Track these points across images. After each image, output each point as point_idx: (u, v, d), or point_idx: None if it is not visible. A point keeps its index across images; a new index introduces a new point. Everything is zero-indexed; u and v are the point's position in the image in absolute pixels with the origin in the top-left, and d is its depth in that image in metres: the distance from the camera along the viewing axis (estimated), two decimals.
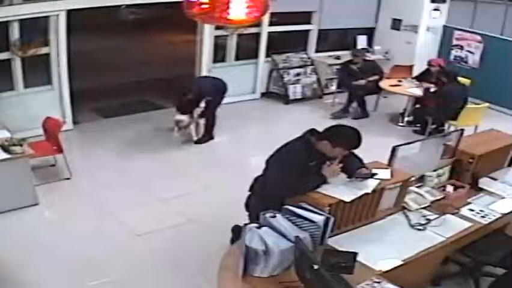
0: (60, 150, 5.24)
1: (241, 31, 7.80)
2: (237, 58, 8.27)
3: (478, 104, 7.20)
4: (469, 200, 3.85)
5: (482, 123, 6.58)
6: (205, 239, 4.38)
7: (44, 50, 6.24)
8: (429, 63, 7.66)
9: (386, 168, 3.51)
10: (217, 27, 7.59)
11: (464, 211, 3.67)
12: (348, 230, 3.28)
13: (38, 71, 6.43)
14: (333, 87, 8.83)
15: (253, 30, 8.02)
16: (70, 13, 6.18)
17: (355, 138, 3.20)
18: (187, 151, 6.47)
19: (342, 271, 2.75)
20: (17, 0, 5.74)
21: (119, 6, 6.67)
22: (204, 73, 7.75)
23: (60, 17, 6.15)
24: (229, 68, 8.13)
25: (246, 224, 3.00)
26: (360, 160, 3.45)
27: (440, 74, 7.19)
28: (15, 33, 5.90)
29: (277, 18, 8.08)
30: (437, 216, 3.54)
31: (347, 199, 3.13)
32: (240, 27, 7.13)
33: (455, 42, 9.19)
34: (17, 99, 6.21)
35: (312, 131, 3.32)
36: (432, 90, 7.15)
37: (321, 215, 2.97)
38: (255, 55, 8.42)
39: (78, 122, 6.94)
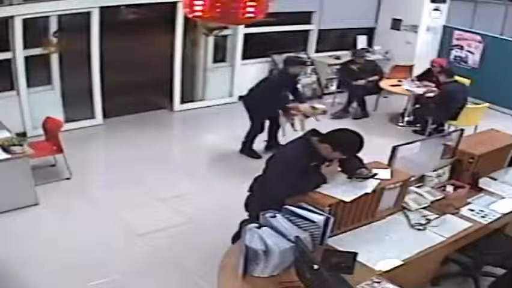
0: (60, 150, 5.24)
1: (216, 33, 7.73)
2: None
3: (478, 104, 7.21)
4: (469, 200, 3.85)
5: (482, 123, 6.58)
6: (205, 239, 4.38)
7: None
8: (432, 63, 7.68)
9: (386, 168, 3.51)
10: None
11: (464, 211, 3.67)
12: (348, 230, 3.28)
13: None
14: (333, 87, 8.82)
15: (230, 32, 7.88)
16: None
17: (356, 145, 3.20)
18: (187, 151, 6.48)
19: (342, 271, 2.75)
20: None
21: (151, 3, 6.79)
22: (201, 73, 7.78)
23: (93, 14, 6.31)
24: (229, 68, 8.17)
25: (245, 224, 3.00)
26: (360, 160, 3.45)
27: (438, 73, 7.20)
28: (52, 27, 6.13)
29: (276, 18, 8.07)
30: (437, 216, 3.54)
31: (347, 199, 3.13)
32: (216, 29, 7.11)
33: (455, 42, 9.19)
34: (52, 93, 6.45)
35: (313, 132, 3.32)
36: (430, 94, 7.16)
37: (321, 215, 2.98)
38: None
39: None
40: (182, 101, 7.78)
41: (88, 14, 6.30)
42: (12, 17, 5.79)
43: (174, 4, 6.96)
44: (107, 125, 7.02)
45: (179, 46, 7.29)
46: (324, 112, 6.23)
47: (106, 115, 7.05)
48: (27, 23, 5.94)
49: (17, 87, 6.18)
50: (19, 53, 6.01)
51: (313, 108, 6.10)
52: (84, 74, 6.69)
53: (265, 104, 5.84)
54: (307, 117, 6.02)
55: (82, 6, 6.20)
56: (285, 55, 7.05)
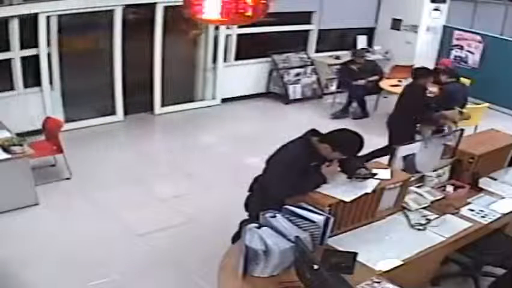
0: (60, 150, 5.24)
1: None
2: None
3: (478, 104, 7.21)
4: (469, 200, 3.85)
5: (482, 123, 6.58)
6: (205, 239, 4.38)
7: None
8: (437, 64, 7.68)
9: (386, 168, 3.51)
10: (218, 28, 7.59)
11: (464, 211, 3.67)
12: (348, 230, 3.28)
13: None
14: (333, 87, 8.82)
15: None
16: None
17: (356, 145, 3.19)
18: (187, 152, 6.47)
19: (342, 271, 2.75)
20: None
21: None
22: (201, 73, 7.77)
23: (116, 12, 6.41)
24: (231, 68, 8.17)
25: (245, 224, 3.00)
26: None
27: (442, 73, 7.19)
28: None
29: (276, 18, 8.07)
30: (437, 216, 3.54)
31: (347, 199, 3.13)
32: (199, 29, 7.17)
33: (455, 42, 9.19)
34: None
35: (313, 132, 3.32)
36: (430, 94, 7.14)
37: (321, 215, 2.98)
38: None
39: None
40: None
41: (111, 12, 6.41)
42: (36, 14, 5.86)
43: (153, 5, 6.94)
44: (108, 124, 7.02)
45: (158, 48, 7.19)
46: (469, 116, 6.17)
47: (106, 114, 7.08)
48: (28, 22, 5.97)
49: (20, 85, 6.22)
50: (42, 50, 6.10)
51: (461, 113, 6.04)
52: (100, 73, 6.82)
53: (407, 123, 5.67)
54: (455, 123, 5.96)
55: (106, 4, 6.29)
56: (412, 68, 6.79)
